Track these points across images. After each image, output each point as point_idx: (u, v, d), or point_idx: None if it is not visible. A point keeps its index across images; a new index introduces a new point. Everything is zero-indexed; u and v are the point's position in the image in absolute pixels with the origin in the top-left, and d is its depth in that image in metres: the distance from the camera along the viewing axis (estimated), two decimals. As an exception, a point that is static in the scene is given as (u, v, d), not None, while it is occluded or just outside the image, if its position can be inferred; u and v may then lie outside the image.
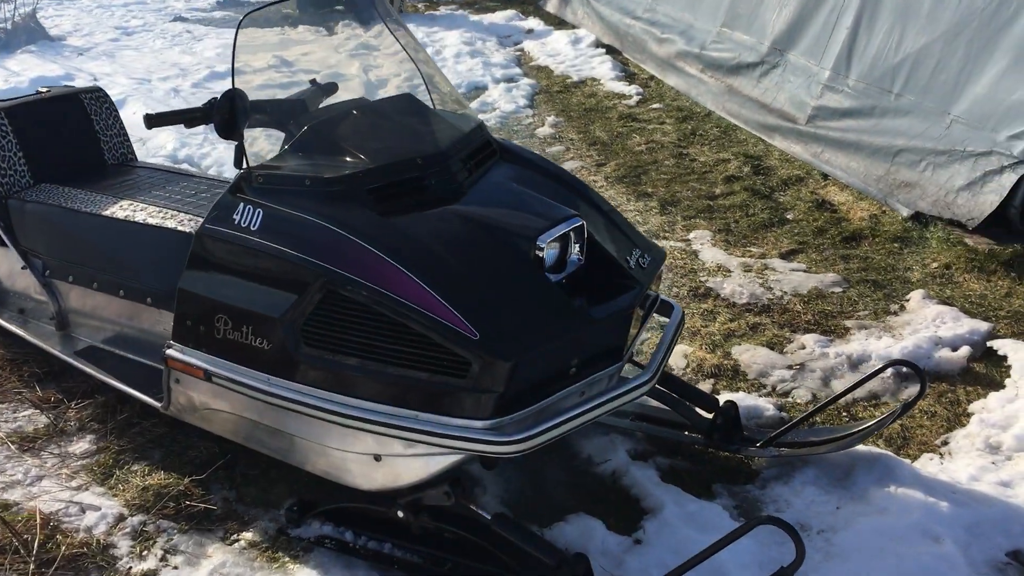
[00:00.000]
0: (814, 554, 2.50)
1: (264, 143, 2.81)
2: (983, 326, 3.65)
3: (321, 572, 2.57)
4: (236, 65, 2.73)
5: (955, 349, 3.50)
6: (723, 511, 2.71)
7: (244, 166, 2.64)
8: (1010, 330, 3.69)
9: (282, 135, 2.90)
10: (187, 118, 2.83)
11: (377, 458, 2.46)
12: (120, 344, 3.32)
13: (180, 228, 3.07)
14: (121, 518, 2.80)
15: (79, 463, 3.09)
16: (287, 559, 2.65)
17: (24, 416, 3.36)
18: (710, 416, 2.98)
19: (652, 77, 8.32)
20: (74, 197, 3.41)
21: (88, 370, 3.24)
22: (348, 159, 2.60)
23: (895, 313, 3.92)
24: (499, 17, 11.33)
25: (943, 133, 4.92)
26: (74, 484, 2.97)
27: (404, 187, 2.55)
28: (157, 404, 2.97)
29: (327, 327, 2.40)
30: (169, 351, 2.75)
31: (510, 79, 8.46)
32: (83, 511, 2.84)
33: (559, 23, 10.77)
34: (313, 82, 3.19)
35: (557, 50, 9.46)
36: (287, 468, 2.98)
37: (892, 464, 2.81)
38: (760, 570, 2.48)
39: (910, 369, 2.96)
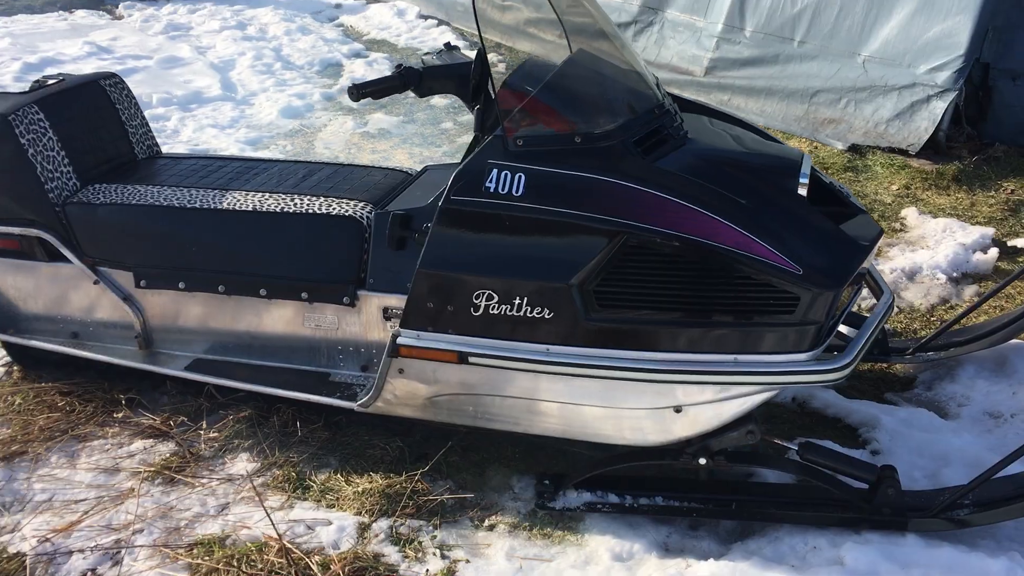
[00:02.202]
0: (1026, 434, 2.82)
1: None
2: (989, 231, 4.18)
3: (613, 536, 2.52)
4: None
5: (985, 251, 3.98)
6: (929, 413, 2.96)
7: (490, 130, 2.50)
8: (1003, 231, 4.25)
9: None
10: (386, 87, 2.63)
11: (678, 409, 2.45)
12: (242, 351, 2.99)
13: (333, 212, 2.81)
14: (364, 527, 2.57)
15: (257, 483, 2.77)
16: (563, 532, 2.57)
17: (138, 447, 2.94)
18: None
19: (500, 44, 8.39)
20: (161, 195, 3.00)
21: (234, 385, 2.90)
22: (602, 113, 2.53)
23: (903, 230, 4.37)
24: (294, -7, 10.87)
25: (859, 73, 5.47)
26: (273, 504, 2.67)
27: (655, 136, 2.54)
28: (351, 404, 2.74)
29: (626, 284, 2.35)
30: (401, 339, 2.55)
31: (358, 54, 8.22)
32: (311, 528, 2.57)
33: (361, -4, 10.57)
34: (447, 45, 3.02)
35: (386, 23, 9.28)
36: (486, 449, 2.89)
37: (1035, 348, 3.20)
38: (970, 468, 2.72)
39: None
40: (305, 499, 2.70)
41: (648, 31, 6.97)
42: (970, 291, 3.77)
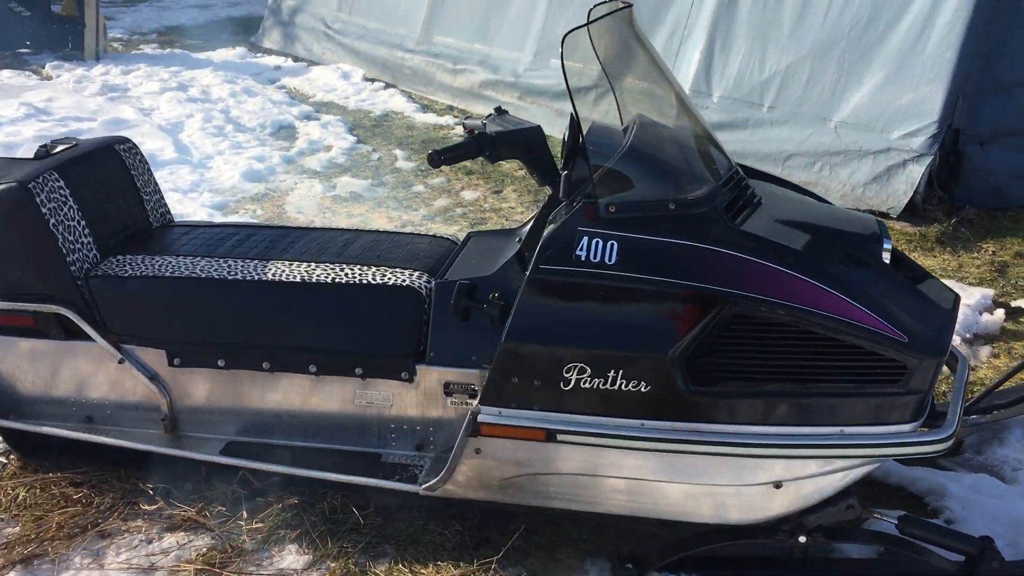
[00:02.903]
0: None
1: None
2: (989, 292, 4.26)
3: (708, 620, 2.41)
4: None
5: (991, 312, 4.05)
6: (991, 479, 2.94)
7: (578, 196, 2.40)
8: (998, 292, 4.35)
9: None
10: (462, 152, 2.53)
11: (778, 485, 2.36)
12: (281, 432, 2.79)
13: (390, 282, 2.67)
14: (444, 622, 2.39)
15: (312, 578, 2.56)
16: (653, 618, 2.44)
17: (171, 542, 2.69)
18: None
19: (451, 107, 8.37)
20: (197, 266, 2.79)
21: (280, 470, 2.69)
22: (692, 179, 2.47)
23: (903, 292, 4.42)
24: (230, 55, 10.61)
25: (832, 137, 5.60)
26: (336, 601, 2.47)
27: (738, 202, 2.49)
28: (413, 487, 2.57)
29: (727, 355, 2.27)
30: (482, 417, 2.40)
31: (308, 116, 8.05)
32: (386, 627, 2.38)
33: (295, 58, 10.42)
34: (498, 109, 2.93)
35: (331, 85, 9.14)
36: (550, 530, 2.74)
37: (1075, 410, 3.22)
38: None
39: None
40: (371, 594, 2.50)
41: (611, 94, 7.01)
42: (985, 351, 3.82)
